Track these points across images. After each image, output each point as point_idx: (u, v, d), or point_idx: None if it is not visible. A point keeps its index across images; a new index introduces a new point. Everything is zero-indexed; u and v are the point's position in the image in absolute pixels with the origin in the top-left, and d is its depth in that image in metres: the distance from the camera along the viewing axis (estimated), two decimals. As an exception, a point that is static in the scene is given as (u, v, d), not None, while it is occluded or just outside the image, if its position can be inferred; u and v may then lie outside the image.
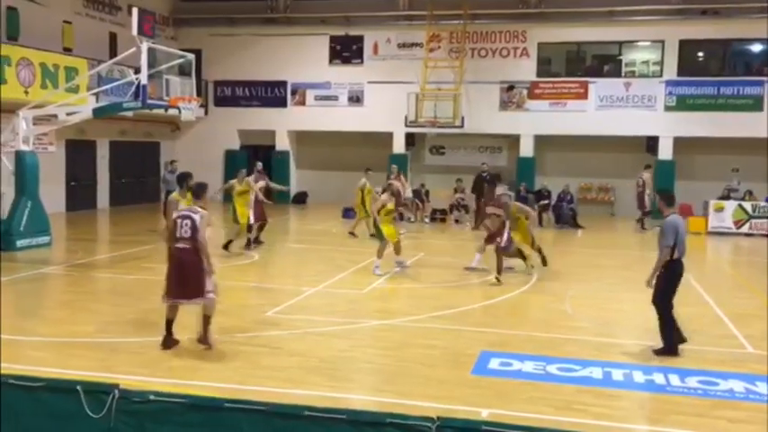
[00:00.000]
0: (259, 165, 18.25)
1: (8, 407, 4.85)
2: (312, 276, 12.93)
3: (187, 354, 8.07)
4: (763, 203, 21.28)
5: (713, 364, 8.01)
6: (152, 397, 4.63)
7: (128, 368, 7.40)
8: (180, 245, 8.07)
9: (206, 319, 8.25)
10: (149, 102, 14.35)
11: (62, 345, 8.47)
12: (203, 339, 8.26)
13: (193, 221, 8.03)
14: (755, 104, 23.44)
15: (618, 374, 7.57)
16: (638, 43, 25.25)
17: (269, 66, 26.97)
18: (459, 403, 6.58)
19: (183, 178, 10.01)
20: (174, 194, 9.87)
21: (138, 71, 14.60)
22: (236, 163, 25.98)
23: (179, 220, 8.12)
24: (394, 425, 4.14)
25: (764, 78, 23.56)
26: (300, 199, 27.55)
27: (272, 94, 27.26)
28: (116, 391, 4.67)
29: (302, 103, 26.99)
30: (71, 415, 4.71)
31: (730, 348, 8.80)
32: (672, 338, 8.35)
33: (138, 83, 14.23)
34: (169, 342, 8.23)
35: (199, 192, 8.56)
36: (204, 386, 6.72)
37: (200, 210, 8.17)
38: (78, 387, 4.74)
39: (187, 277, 8.03)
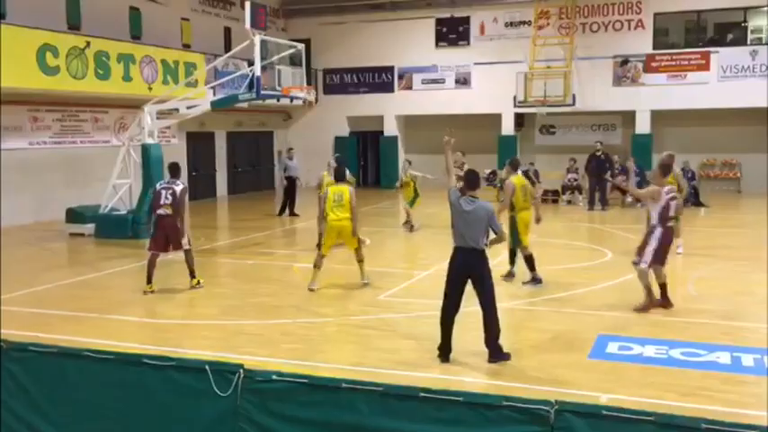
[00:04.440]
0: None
1: (141, 385, 5.18)
2: (423, 259, 12.99)
3: (303, 336, 8.33)
4: None
5: None
6: (274, 377, 4.81)
7: (250, 349, 7.71)
8: (161, 211, 10.26)
9: (190, 262, 10.61)
10: (263, 92, 14.79)
11: (189, 326, 8.95)
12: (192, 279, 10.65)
13: (174, 192, 10.26)
14: None
15: (748, 359, 7.18)
16: (764, 8, 23.57)
17: (376, 52, 27.16)
18: (575, 387, 6.44)
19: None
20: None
21: (251, 63, 15.09)
22: (345, 149, 26.47)
23: (162, 191, 10.36)
24: (511, 408, 4.10)
25: None
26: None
27: (380, 80, 27.47)
28: (241, 371, 4.88)
29: (409, 87, 27.04)
30: (200, 393, 4.97)
31: None
32: None
33: (252, 74, 14.70)
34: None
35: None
36: (322, 367, 6.91)
37: (180, 183, 10.43)
38: (206, 366, 4.99)
39: (167, 235, 10.38)
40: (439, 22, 26.62)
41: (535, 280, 10.68)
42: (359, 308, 9.61)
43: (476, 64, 25.96)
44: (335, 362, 7.29)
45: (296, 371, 5.56)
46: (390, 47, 27.01)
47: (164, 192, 10.34)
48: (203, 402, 4.95)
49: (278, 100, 16.41)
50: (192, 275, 10.72)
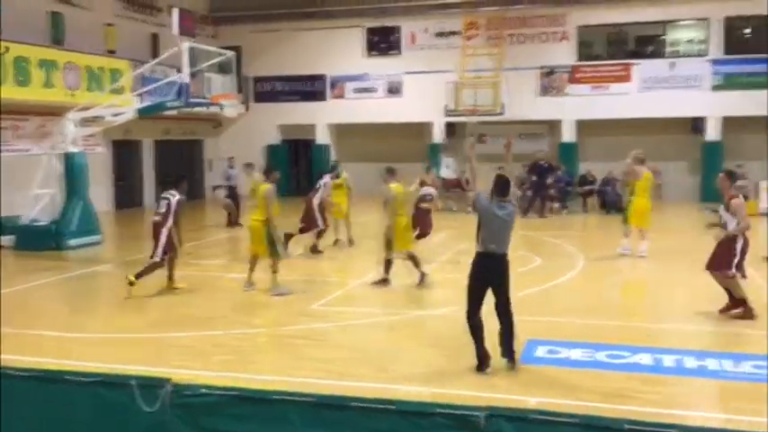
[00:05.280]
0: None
1: (65, 401, 5.00)
2: (358, 268, 12.98)
3: (235, 347, 8.21)
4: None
5: (766, 348, 7.81)
6: (203, 390, 4.72)
7: (179, 362, 7.55)
8: (155, 217, 10.85)
9: (171, 263, 11.02)
10: (191, 100, 14.56)
11: (116, 340, 8.69)
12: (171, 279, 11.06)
13: (169, 202, 10.78)
14: (806, 81, 22.71)
15: (669, 360, 7.45)
16: (682, 22, 24.66)
17: (307, 60, 27.09)
18: (506, 392, 6.56)
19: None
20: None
21: (179, 70, 14.83)
22: (277, 157, 26.28)
23: (160, 200, 11.02)
24: (443, 414, 4.15)
25: (815, 53, 22.81)
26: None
27: (312, 88, 27.41)
28: (168, 385, 4.77)
29: (341, 95, 27.07)
30: (126, 409, 4.83)
31: (785, 332, 8.57)
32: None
33: (180, 82, 14.46)
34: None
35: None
36: (254, 379, 6.82)
37: (177, 194, 10.87)
38: (132, 381, 4.86)
39: (156, 242, 10.80)
40: (370, 31, 26.78)
41: (422, 276, 11.14)
42: (291, 318, 9.53)
43: (407, 73, 26.20)
44: (267, 373, 7.20)
45: (227, 383, 5.47)
46: (322, 55, 26.98)
47: (160, 201, 11.01)
48: (130, 418, 4.82)
49: (207, 108, 16.15)
50: (170, 278, 11.12)
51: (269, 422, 4.61)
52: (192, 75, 14.45)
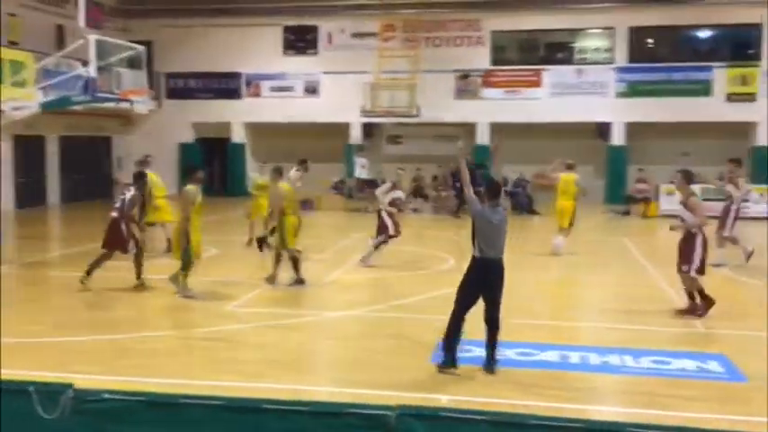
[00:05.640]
0: None
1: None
2: (264, 269, 12.81)
3: (142, 351, 7.97)
4: (711, 186, 21.79)
5: (666, 344, 8.22)
6: (106, 396, 4.55)
7: (82, 367, 7.26)
8: (113, 213, 10.82)
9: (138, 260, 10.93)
10: (99, 95, 14.06)
11: (13, 345, 8.27)
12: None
13: (124, 197, 10.86)
14: (704, 89, 24.01)
15: (575, 357, 7.71)
16: (589, 31, 25.63)
17: (222, 57, 26.63)
18: (419, 391, 6.63)
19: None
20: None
21: (86, 64, 14.29)
22: (190, 156, 25.72)
23: (119, 197, 11.09)
24: (354, 414, 4.14)
25: (712, 64, 24.14)
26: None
27: (226, 86, 26.97)
28: (70, 391, 4.57)
29: (257, 94, 26.75)
30: (24, 417, 4.60)
31: (682, 328, 9.03)
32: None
33: (87, 76, 13.93)
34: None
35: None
36: (162, 383, 6.64)
37: (131, 190, 10.96)
38: (30, 388, 4.63)
39: (110, 237, 10.87)
40: (287, 29, 26.58)
41: (298, 281, 11.09)
42: (203, 319, 9.34)
43: (324, 73, 26.16)
44: (177, 377, 7.02)
45: (133, 388, 5.30)
46: (237, 53, 26.58)
47: (119, 197, 11.07)
48: (28, 427, 4.59)
49: (116, 103, 15.62)
50: (138, 276, 10.93)
51: (177, 427, 4.48)
52: (100, 69, 13.94)
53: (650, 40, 25.69)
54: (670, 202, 21.48)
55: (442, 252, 14.58)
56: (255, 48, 26.58)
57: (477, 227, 7.17)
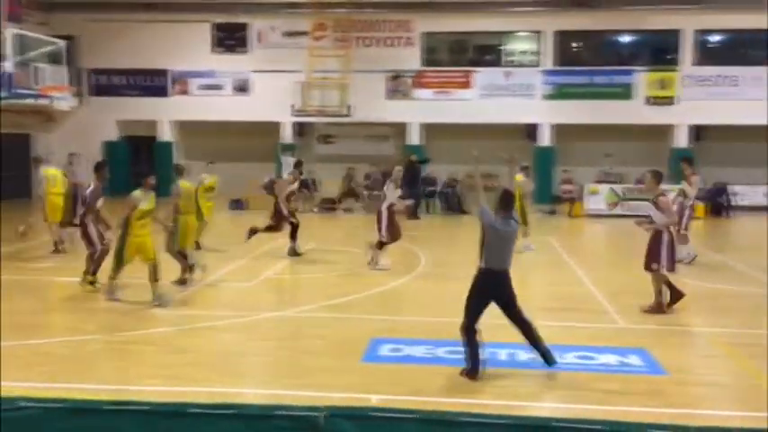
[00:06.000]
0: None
1: None
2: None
3: (64, 356, 7.70)
4: (633, 186, 22.62)
5: (590, 340, 8.46)
6: (23, 404, 4.36)
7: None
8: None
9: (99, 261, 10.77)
10: (17, 91, 13.52)
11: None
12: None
13: (84, 192, 11.00)
14: (626, 93, 24.82)
15: (503, 354, 7.84)
16: (517, 34, 26.15)
17: (149, 53, 25.96)
18: (350, 391, 6.62)
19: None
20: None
21: (3, 59, 13.71)
22: (115, 155, 25.02)
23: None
24: (282, 417, 4.10)
25: (634, 68, 24.99)
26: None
27: (152, 83, 26.32)
28: (-16, 400, 4.37)
29: (185, 92, 26.21)
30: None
31: (605, 324, 9.31)
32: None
33: (4, 71, 13.38)
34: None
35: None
36: (85, 389, 6.43)
37: (92, 183, 10.82)
38: (-60, 398, 4.40)
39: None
40: (216, 26, 26.14)
41: (181, 282, 11.00)
42: (129, 322, 9.09)
43: (254, 71, 25.85)
44: (100, 382, 6.82)
45: (53, 395, 5.12)
46: (165, 49, 25.97)
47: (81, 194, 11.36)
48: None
49: (35, 100, 15.06)
50: (92, 273, 10.73)
51: (100, 434, 4.34)
52: (19, 64, 13.40)
53: (575, 45, 26.41)
54: (595, 201, 22.22)
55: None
56: (183, 45, 26.04)
57: (486, 238, 7.11)
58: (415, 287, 11.81)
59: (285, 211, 13.89)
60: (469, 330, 7.15)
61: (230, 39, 26.19)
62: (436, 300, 10.78)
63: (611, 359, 7.69)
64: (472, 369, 7.07)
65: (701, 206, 20.98)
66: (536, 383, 7.19)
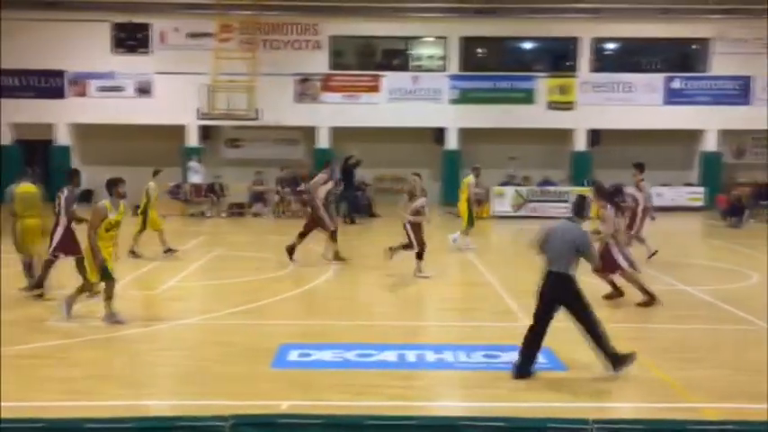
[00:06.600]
0: None
1: None
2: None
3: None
4: (536, 188, 23.37)
5: (495, 339, 8.65)
6: None
7: None
8: (55, 219, 10.39)
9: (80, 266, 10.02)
10: None
11: None
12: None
13: (59, 199, 10.44)
14: (528, 97, 25.61)
15: (411, 356, 7.92)
16: (424, 39, 26.54)
17: (44, 53, 24.79)
18: (258, 398, 6.52)
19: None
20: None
21: None
22: (8, 160, 23.78)
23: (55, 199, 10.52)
24: (185, 428, 4.00)
25: (535, 74, 25.82)
26: (85, 197, 25.72)
27: (48, 85, 25.15)
28: None
29: (83, 93, 25.17)
30: None
31: (510, 322, 9.54)
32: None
33: None
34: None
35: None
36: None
37: (66, 190, 10.51)
38: None
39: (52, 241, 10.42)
40: (116, 26, 25.26)
41: (29, 288, 10.62)
42: (23, 336, 8.62)
43: (158, 73, 25.13)
44: (-9, 400, 6.44)
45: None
46: (61, 49, 24.86)
47: (56, 199, 10.54)
48: None
49: None
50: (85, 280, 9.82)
51: (-12, 455, 4.11)
52: None
53: (480, 50, 27.04)
54: (501, 203, 22.81)
55: (284, 257, 14.45)
56: (81, 45, 25.01)
57: (546, 240, 7.35)
58: (324, 291, 11.78)
59: (323, 213, 13.64)
60: (530, 331, 7.33)
61: (131, 39, 25.36)
62: (346, 304, 10.79)
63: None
64: (518, 371, 7.21)
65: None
66: (443, 383, 7.30)
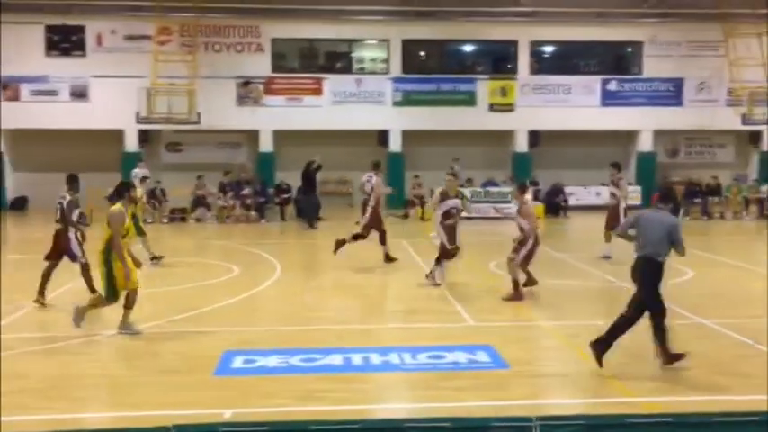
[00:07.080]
0: None
1: None
2: (33, 289, 11.72)
3: None
4: (479, 189, 23.64)
5: (440, 339, 8.71)
6: None
7: None
8: (57, 225, 10.44)
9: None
10: None
11: None
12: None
13: (62, 205, 10.39)
14: (470, 100, 25.90)
15: (357, 359, 7.90)
16: (367, 42, 26.57)
17: (-27, 56, 23.92)
18: (201, 407, 6.40)
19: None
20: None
21: None
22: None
23: (57, 204, 10.51)
24: (123, 440, 3.90)
25: (476, 76, 26.13)
26: (19, 204, 24.96)
27: (-23, 89, 24.26)
28: None
29: (15, 98, 24.34)
30: None
31: (454, 323, 9.62)
32: None
33: None
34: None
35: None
36: None
37: (68, 196, 10.50)
38: None
39: (59, 248, 10.49)
40: (50, 28, 24.52)
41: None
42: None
43: (94, 77, 24.49)
44: None
45: None
46: (-8, 52, 24.02)
47: (57, 205, 10.46)
48: None
49: None
50: (92, 290, 10.28)
51: None
52: None
53: (422, 53, 27.22)
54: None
55: (228, 262, 14.28)
56: (13, 48, 24.13)
57: (637, 226, 7.69)
58: (268, 296, 11.67)
59: (379, 216, 13.74)
60: (620, 316, 7.55)
61: (66, 42, 24.65)
62: (290, 308, 10.70)
63: (460, 357, 7.95)
64: (598, 349, 7.42)
65: (540, 207, 22.35)
66: (388, 386, 7.30)
